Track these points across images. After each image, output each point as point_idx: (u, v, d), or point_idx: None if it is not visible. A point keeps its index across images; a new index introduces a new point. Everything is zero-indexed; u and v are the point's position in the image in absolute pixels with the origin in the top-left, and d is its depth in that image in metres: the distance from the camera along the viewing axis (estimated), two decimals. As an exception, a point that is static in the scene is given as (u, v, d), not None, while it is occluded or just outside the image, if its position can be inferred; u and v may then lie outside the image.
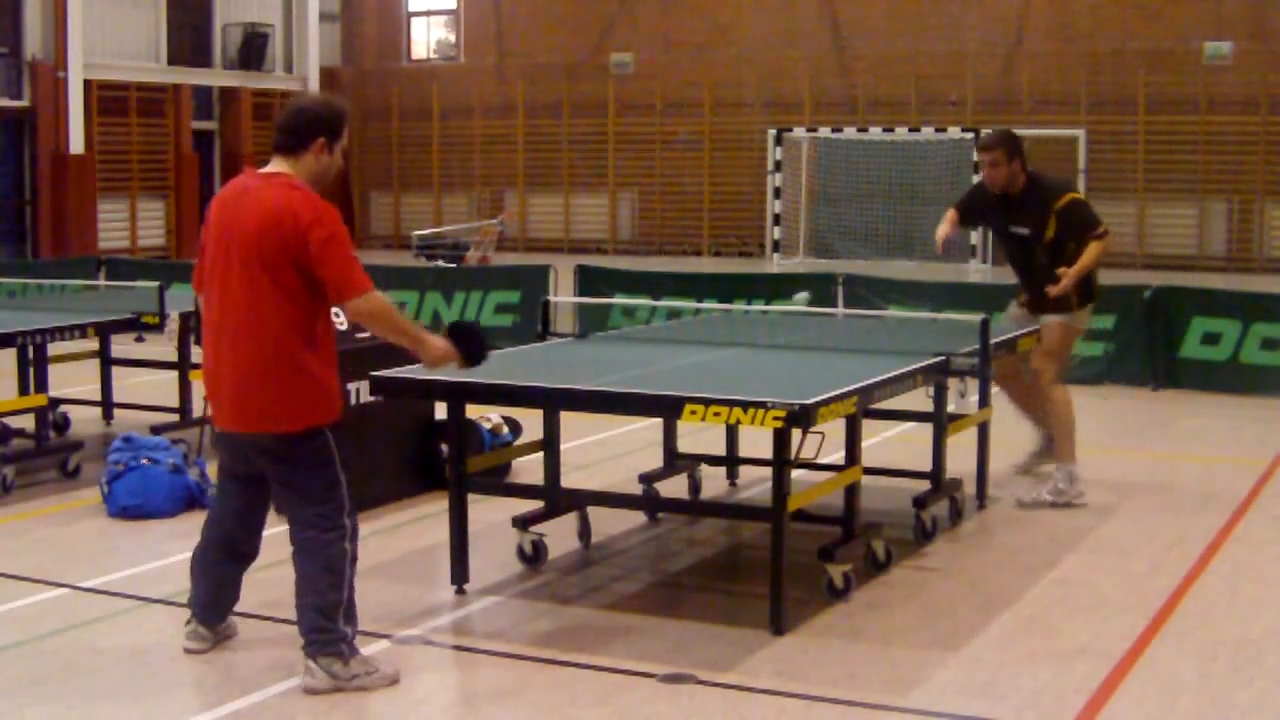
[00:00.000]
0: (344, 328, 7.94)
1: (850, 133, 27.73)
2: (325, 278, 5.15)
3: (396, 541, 7.41)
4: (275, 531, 5.76)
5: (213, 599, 5.67)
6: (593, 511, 7.29)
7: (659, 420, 8.04)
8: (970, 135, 26.20)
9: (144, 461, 7.93)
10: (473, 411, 7.99)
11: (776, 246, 27.43)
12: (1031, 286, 8.35)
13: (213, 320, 5.33)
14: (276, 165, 5.36)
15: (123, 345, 11.68)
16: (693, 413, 5.65)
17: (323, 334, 5.31)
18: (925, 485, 7.62)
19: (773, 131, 27.69)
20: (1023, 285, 8.50)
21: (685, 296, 13.74)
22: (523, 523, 6.85)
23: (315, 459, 5.32)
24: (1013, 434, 9.24)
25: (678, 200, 30.15)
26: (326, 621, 5.28)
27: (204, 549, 5.64)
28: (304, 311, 5.21)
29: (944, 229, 8.47)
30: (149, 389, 11.10)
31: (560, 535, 7.08)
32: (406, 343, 5.41)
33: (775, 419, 5.48)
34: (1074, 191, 8.43)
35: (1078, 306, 8.25)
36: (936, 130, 27.08)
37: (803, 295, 7.38)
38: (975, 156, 25.82)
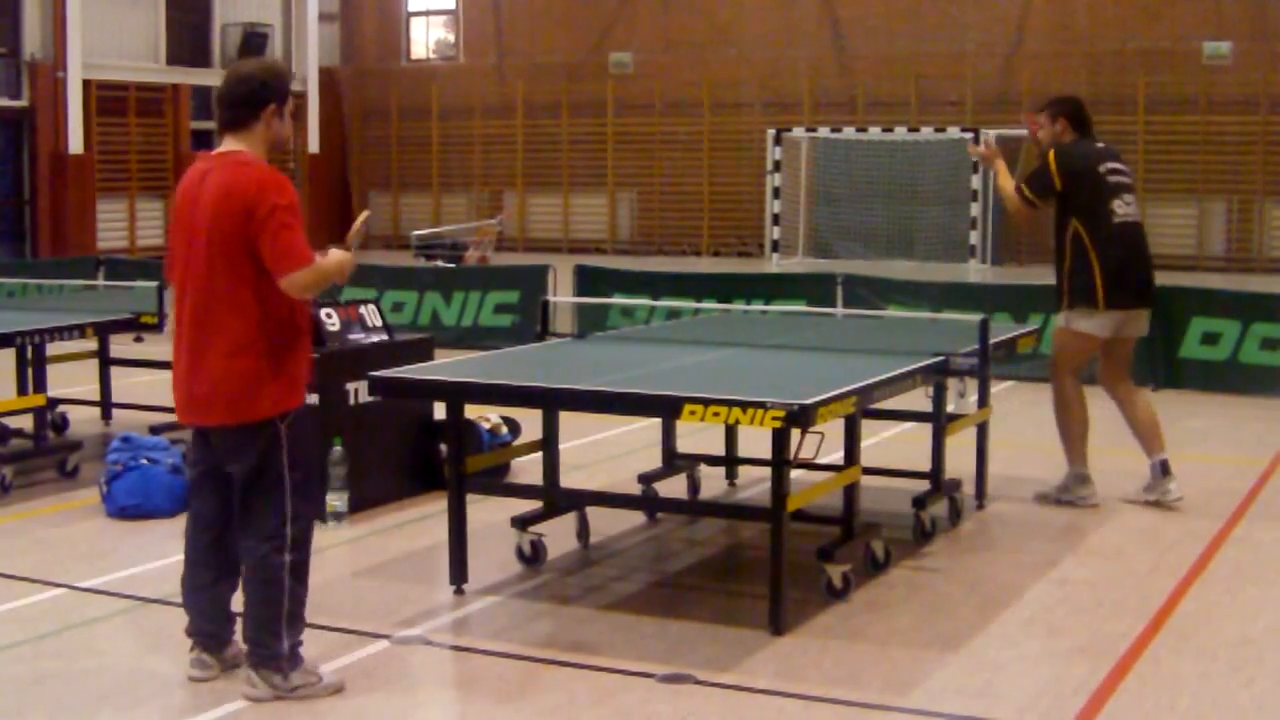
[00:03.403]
0: (335, 328, 7.94)
1: (850, 133, 27.72)
2: (262, 249, 4.95)
3: (395, 541, 7.41)
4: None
5: (213, 625, 5.35)
6: (592, 511, 7.29)
7: (658, 420, 8.04)
8: (970, 135, 26.21)
9: (143, 461, 7.93)
10: (472, 411, 7.99)
11: (776, 246, 27.42)
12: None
13: (178, 311, 5.19)
14: (228, 144, 5.15)
15: (121, 345, 11.68)
16: (692, 413, 5.65)
17: (281, 320, 5.08)
18: (925, 485, 7.61)
19: (772, 131, 27.68)
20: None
21: (684, 296, 13.73)
22: (522, 523, 6.85)
23: (264, 453, 5.09)
24: (1013, 434, 9.26)
25: (677, 200, 30.14)
26: (266, 636, 5.11)
27: (190, 572, 5.35)
28: (259, 296, 5.01)
29: None
30: (148, 389, 11.08)
31: (559, 535, 7.08)
32: (332, 280, 5.17)
33: (774, 419, 5.48)
34: (1055, 151, 8.07)
35: (1066, 306, 8.04)
36: (936, 130, 27.07)
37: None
38: (975, 156, 25.90)
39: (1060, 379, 8.20)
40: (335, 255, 5.23)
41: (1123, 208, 8.03)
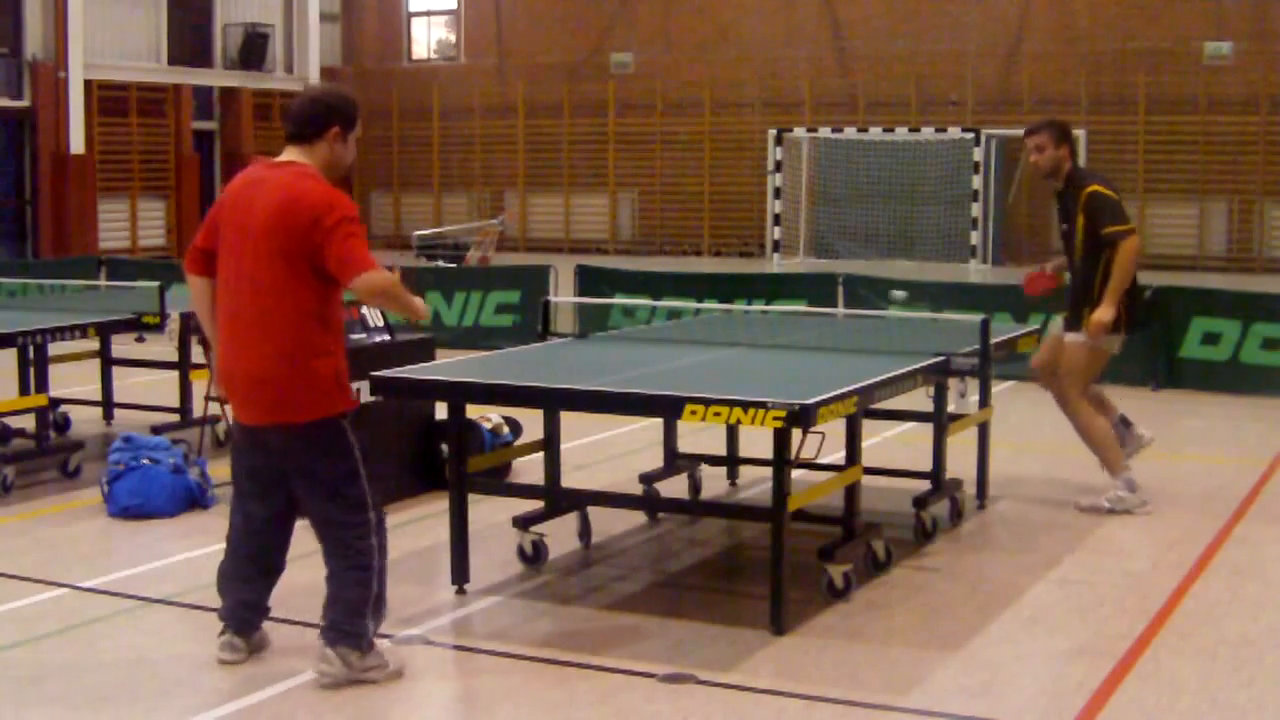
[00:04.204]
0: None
1: (850, 133, 27.75)
2: (330, 257, 5.08)
3: (397, 541, 7.38)
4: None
5: (250, 612, 5.52)
6: (593, 511, 7.29)
7: (659, 420, 8.04)
8: (970, 135, 26.23)
9: (144, 462, 7.93)
10: (473, 411, 7.99)
11: (777, 246, 27.44)
12: (1069, 296, 8.10)
13: (228, 310, 5.27)
14: (289, 155, 5.31)
15: (123, 345, 11.69)
16: (693, 413, 5.65)
17: (335, 322, 5.28)
18: (925, 485, 7.61)
19: (773, 131, 27.71)
20: (1068, 294, 8.17)
21: (685, 296, 13.74)
22: (523, 523, 6.85)
23: (334, 449, 5.25)
24: (1014, 434, 9.27)
25: (678, 200, 30.16)
26: (353, 618, 5.26)
27: (234, 564, 5.50)
28: (319, 299, 5.17)
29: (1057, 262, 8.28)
30: (149, 389, 11.10)
31: (560, 535, 7.08)
32: (400, 309, 5.34)
33: (775, 419, 5.48)
34: (1100, 184, 8.01)
35: (1111, 330, 7.92)
36: (936, 130, 27.10)
37: (900, 294, 7.32)
38: (976, 156, 25.93)
39: (1076, 400, 8.05)
40: (420, 304, 5.38)
41: None
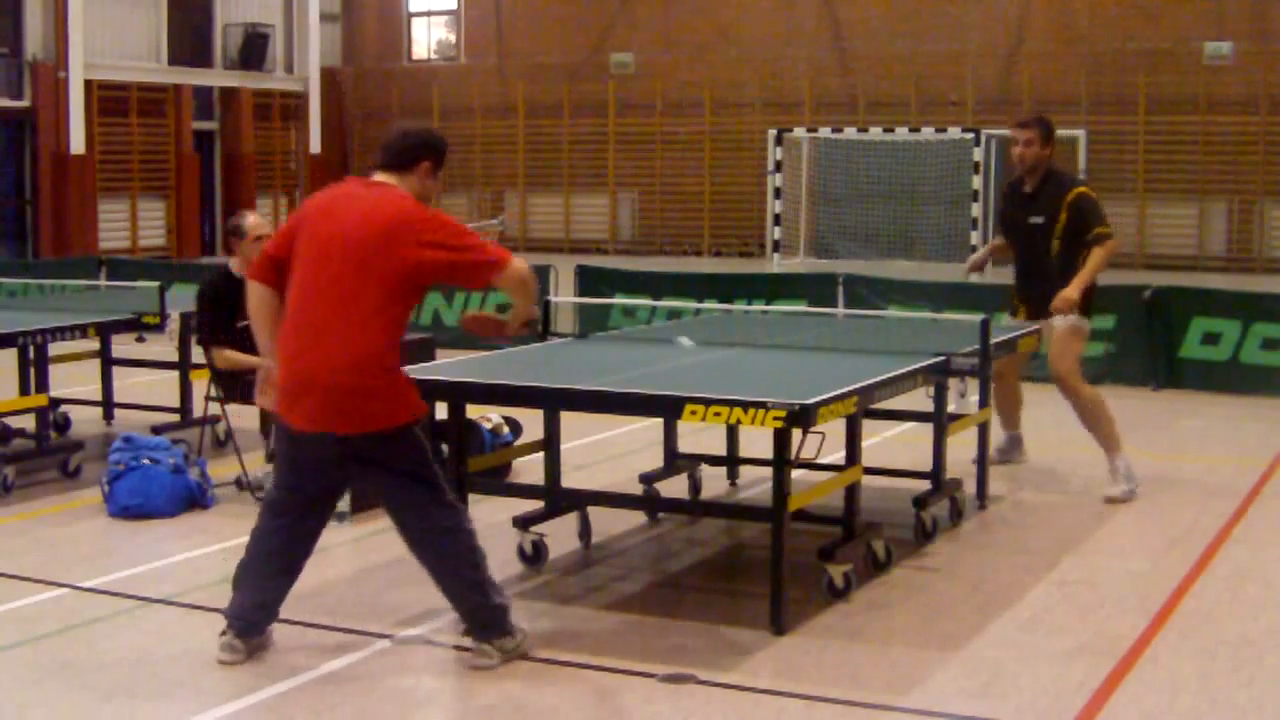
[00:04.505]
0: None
1: (850, 133, 27.73)
2: (464, 267, 5.24)
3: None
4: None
5: (260, 611, 5.54)
6: (593, 511, 7.29)
7: (659, 420, 8.04)
8: (970, 135, 26.22)
9: (145, 461, 7.92)
10: (473, 411, 8.00)
11: (777, 247, 27.41)
12: (1035, 288, 8.37)
13: (311, 322, 5.27)
14: (382, 178, 5.45)
15: (123, 345, 11.69)
16: (693, 413, 5.66)
17: (402, 337, 5.43)
18: (925, 485, 7.62)
19: (773, 132, 27.67)
20: (1024, 288, 8.50)
21: (685, 296, 13.74)
22: (523, 523, 6.86)
23: (421, 450, 5.41)
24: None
25: (678, 200, 30.15)
26: (481, 604, 5.44)
27: (263, 561, 5.53)
28: (404, 315, 5.32)
29: (981, 254, 8.85)
30: (149, 389, 11.10)
31: (560, 535, 7.08)
32: (528, 303, 5.50)
33: (775, 419, 5.48)
34: (1086, 187, 8.50)
35: (1080, 312, 8.27)
36: (936, 130, 27.08)
37: (686, 342, 7.48)
38: (976, 156, 25.93)
39: (1079, 383, 8.33)
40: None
41: None
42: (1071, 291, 8.10)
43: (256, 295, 5.48)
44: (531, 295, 5.48)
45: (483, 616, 5.48)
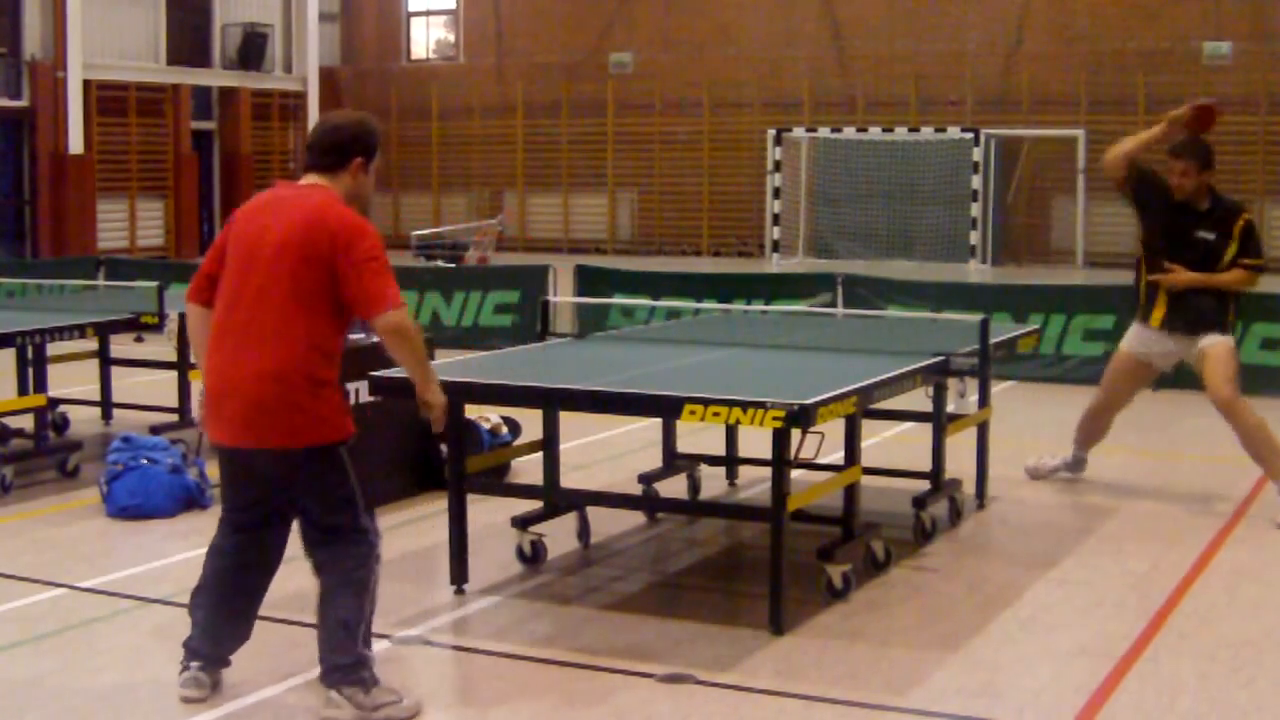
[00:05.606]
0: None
1: (850, 133, 27.74)
2: (355, 291, 4.91)
3: (396, 541, 7.40)
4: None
5: (223, 649, 5.24)
6: (592, 511, 7.29)
7: (658, 420, 8.04)
8: (969, 135, 26.23)
9: (143, 461, 7.92)
10: (472, 411, 7.99)
11: (776, 246, 27.44)
12: (1191, 301, 8.17)
13: (232, 330, 5.01)
14: (312, 180, 5.14)
15: (122, 345, 11.68)
16: (692, 413, 5.65)
17: (337, 356, 5.08)
18: (925, 485, 7.61)
19: (772, 131, 27.71)
20: (1177, 298, 8.21)
21: (685, 296, 13.73)
22: (522, 523, 6.85)
23: (342, 474, 5.04)
24: (1013, 434, 9.25)
25: (677, 200, 30.15)
26: (350, 644, 5.00)
27: (225, 600, 5.21)
28: (330, 325, 5.00)
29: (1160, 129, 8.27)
30: (148, 389, 11.09)
31: (560, 535, 7.08)
32: (418, 374, 5.16)
33: (775, 419, 5.48)
34: (1249, 213, 8.46)
35: (1228, 330, 8.23)
36: (936, 130, 27.09)
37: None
38: (975, 156, 25.93)
39: (1245, 409, 8.12)
40: (439, 394, 5.24)
41: None
42: (1188, 278, 8.04)
43: (194, 316, 5.19)
44: (415, 358, 5.07)
45: (339, 663, 5.01)
